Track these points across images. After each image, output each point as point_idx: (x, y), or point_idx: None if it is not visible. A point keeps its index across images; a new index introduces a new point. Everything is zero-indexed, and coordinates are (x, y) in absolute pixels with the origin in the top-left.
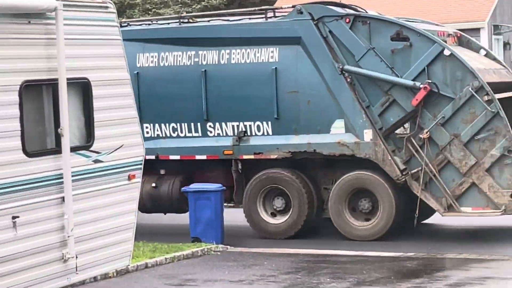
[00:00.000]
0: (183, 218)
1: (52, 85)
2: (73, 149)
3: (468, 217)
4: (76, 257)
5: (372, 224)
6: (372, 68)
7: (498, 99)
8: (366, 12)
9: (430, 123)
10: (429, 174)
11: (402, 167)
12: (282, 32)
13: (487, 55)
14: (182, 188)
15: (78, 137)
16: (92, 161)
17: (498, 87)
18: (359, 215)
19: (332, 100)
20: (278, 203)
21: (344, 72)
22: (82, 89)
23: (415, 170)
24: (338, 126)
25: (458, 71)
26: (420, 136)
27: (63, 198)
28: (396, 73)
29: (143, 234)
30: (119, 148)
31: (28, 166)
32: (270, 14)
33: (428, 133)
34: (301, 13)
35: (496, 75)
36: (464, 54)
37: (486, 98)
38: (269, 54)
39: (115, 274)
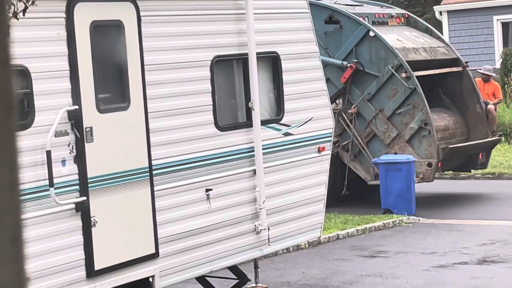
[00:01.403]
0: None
1: (242, 59)
2: (264, 123)
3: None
4: (268, 229)
5: None
6: None
7: (423, 75)
8: None
9: (358, 99)
10: (358, 146)
11: (334, 139)
12: None
13: (432, 34)
14: (373, 160)
15: (268, 111)
16: (282, 134)
17: (430, 64)
18: None
19: None
20: None
21: None
22: (272, 63)
23: (345, 142)
24: None
25: (381, 51)
26: (349, 111)
27: (254, 171)
28: (329, 53)
29: (334, 205)
30: (308, 121)
31: (220, 139)
32: None
33: (356, 108)
34: None
35: (426, 53)
36: (402, 34)
37: (404, 75)
38: None
39: (307, 246)
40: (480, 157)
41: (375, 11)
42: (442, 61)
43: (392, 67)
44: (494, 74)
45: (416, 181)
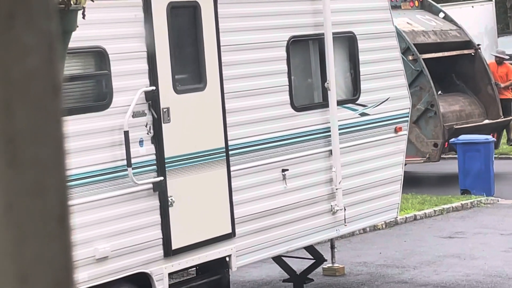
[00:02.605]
0: (452, 168)
1: (318, 40)
2: (340, 103)
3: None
4: (344, 209)
5: None
6: None
7: (435, 59)
8: None
9: None
10: None
11: None
12: None
13: (445, 17)
14: (451, 140)
15: (344, 91)
16: (359, 114)
17: (440, 47)
18: None
19: None
20: None
21: None
22: (348, 43)
23: None
24: None
25: None
26: None
27: (330, 151)
28: None
29: (411, 186)
30: (385, 101)
31: (296, 120)
32: None
33: None
34: None
35: (436, 36)
36: (414, 17)
37: (411, 57)
38: None
39: (383, 226)
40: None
41: None
42: (454, 44)
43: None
44: (507, 57)
45: (422, 161)
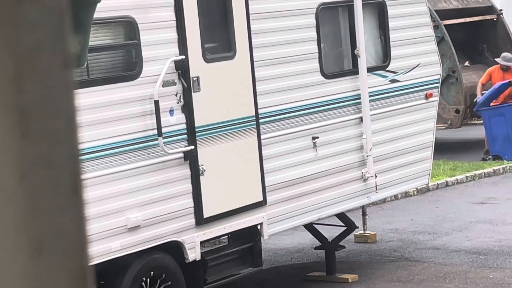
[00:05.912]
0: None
1: (347, 6)
2: (370, 70)
3: None
4: (376, 176)
5: None
6: None
7: (457, 25)
8: None
9: None
10: None
11: None
12: None
13: None
14: (475, 108)
15: (374, 58)
16: (389, 81)
17: (462, 13)
18: None
19: None
20: None
21: None
22: (377, 9)
23: None
24: None
25: None
26: None
27: (361, 118)
28: None
29: (443, 152)
30: (415, 67)
31: (326, 87)
32: None
33: None
34: None
35: (457, 2)
36: None
37: (432, 24)
38: None
39: (415, 193)
40: None
41: None
42: (475, 10)
43: None
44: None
45: (444, 127)
